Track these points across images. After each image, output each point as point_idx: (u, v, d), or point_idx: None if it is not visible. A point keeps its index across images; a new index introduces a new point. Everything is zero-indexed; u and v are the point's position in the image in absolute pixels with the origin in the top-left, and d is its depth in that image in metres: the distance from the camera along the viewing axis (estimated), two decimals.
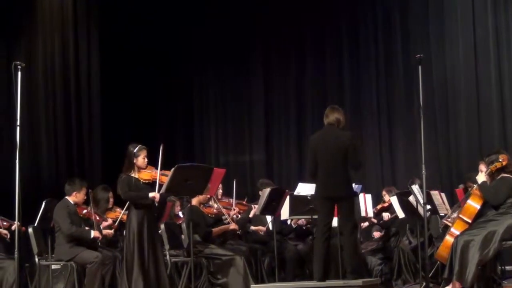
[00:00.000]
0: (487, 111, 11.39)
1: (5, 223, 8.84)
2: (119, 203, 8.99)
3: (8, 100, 10.32)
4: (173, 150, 11.82)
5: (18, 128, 7.05)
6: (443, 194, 8.99)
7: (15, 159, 6.95)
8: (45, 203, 8.91)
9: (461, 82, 11.61)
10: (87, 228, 8.46)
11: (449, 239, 7.59)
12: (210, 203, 9.28)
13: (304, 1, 12.44)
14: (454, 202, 9.03)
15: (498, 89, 11.36)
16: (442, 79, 11.76)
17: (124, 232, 8.22)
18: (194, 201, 8.88)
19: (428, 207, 8.23)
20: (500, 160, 7.61)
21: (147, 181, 7.94)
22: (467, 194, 8.06)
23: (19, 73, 7.11)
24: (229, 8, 12.88)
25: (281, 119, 12.84)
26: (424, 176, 7.70)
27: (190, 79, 13.34)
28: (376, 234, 10.10)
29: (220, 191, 9.63)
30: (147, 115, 13.00)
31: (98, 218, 8.69)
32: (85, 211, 8.70)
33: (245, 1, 12.83)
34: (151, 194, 7.82)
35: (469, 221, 7.63)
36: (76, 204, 8.57)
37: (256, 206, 9.18)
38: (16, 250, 6.97)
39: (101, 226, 8.71)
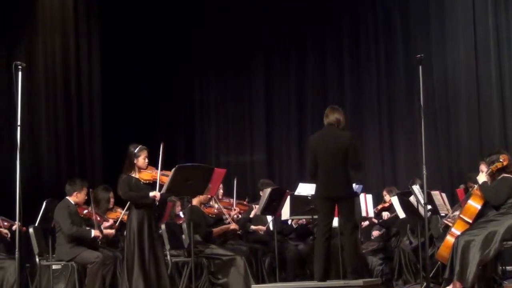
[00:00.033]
0: (488, 111, 11.39)
1: (5, 223, 8.85)
2: (120, 203, 8.99)
3: (9, 100, 10.32)
4: (173, 150, 11.81)
5: (18, 128, 7.04)
6: (443, 194, 8.98)
7: (16, 159, 6.94)
8: (46, 203, 8.92)
9: (461, 82, 11.61)
10: (87, 228, 8.46)
11: (449, 239, 7.59)
12: (211, 203, 9.29)
13: (305, 1, 12.43)
14: (455, 202, 9.03)
15: (499, 89, 11.36)
16: (442, 79, 11.76)
17: (125, 232, 8.22)
18: (195, 201, 8.88)
19: (429, 207, 8.23)
20: (500, 160, 7.61)
21: (147, 181, 7.95)
22: (467, 194, 8.06)
23: (20, 73, 7.11)
24: (229, 8, 12.88)
25: (282, 119, 12.84)
26: (424, 176, 7.70)
27: (191, 79, 13.33)
28: (375, 233, 10.10)
29: (221, 191, 9.63)
30: (147, 115, 12.99)
31: (98, 218, 8.69)
32: (85, 211, 8.71)
33: (245, 1, 12.83)
34: (151, 193, 7.82)
35: (470, 221, 7.64)
36: (76, 204, 8.58)
37: (257, 206, 9.19)
38: (16, 250, 6.96)
39: (102, 227, 8.71)
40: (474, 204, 7.68)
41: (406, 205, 8.92)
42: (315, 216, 8.26)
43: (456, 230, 7.63)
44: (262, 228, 9.73)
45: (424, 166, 7.69)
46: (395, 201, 9.21)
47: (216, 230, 9.03)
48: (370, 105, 12.24)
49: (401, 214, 9.18)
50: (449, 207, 8.80)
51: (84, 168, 11.69)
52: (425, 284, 7.89)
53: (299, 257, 9.60)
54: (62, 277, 8.87)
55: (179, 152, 12.70)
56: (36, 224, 8.79)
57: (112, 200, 9.13)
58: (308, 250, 9.32)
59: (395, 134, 12.07)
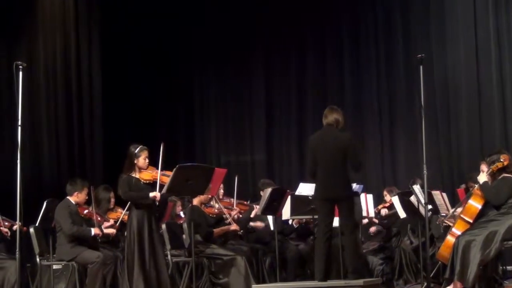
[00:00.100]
0: (488, 111, 11.38)
1: (6, 223, 8.84)
2: (121, 203, 8.99)
3: (10, 100, 10.31)
4: (173, 150, 11.80)
5: (19, 128, 7.05)
6: (444, 194, 8.99)
7: (17, 159, 6.96)
8: (47, 203, 8.93)
9: (462, 82, 11.61)
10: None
11: (450, 239, 7.59)
12: (211, 203, 9.29)
13: (305, 1, 12.43)
14: (456, 202, 9.02)
15: (499, 89, 11.36)
16: (443, 79, 11.75)
17: (125, 232, 8.22)
18: (195, 201, 8.87)
19: (430, 207, 8.23)
20: (501, 160, 7.62)
21: (148, 181, 7.95)
22: (468, 194, 8.06)
23: (21, 73, 7.12)
24: (229, 8, 12.87)
25: (282, 119, 12.83)
26: (425, 176, 7.71)
27: (191, 79, 13.33)
28: (372, 230, 10.08)
29: (221, 191, 9.63)
30: (147, 115, 12.99)
31: (99, 218, 8.70)
32: (86, 211, 8.71)
33: (245, 1, 12.83)
34: (151, 194, 7.82)
35: (471, 221, 7.64)
36: (77, 204, 8.58)
37: (257, 206, 9.19)
38: (17, 250, 6.98)
39: (103, 227, 8.70)
40: (475, 204, 7.68)
41: (406, 205, 8.92)
42: (316, 216, 8.27)
43: (456, 230, 7.63)
44: (260, 224, 9.71)
45: (424, 166, 7.71)
46: (395, 201, 9.21)
47: (216, 230, 9.04)
48: (371, 105, 12.24)
49: (402, 214, 9.19)
50: (449, 207, 8.81)
51: (84, 168, 11.69)
52: (425, 284, 7.90)
53: (300, 257, 9.61)
54: (63, 277, 8.88)
55: (179, 152, 12.69)
56: (37, 224, 8.79)
57: (112, 200, 9.13)
58: (309, 250, 9.33)
59: (396, 134, 12.06)
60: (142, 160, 7.95)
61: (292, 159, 12.65)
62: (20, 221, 6.90)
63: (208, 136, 13.18)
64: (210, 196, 9.02)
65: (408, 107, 11.85)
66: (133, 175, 7.95)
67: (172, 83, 13.16)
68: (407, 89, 11.89)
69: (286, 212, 9.05)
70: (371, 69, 12.28)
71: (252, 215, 9.55)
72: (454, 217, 8.16)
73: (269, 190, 8.80)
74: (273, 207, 8.81)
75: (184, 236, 8.90)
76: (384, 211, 9.82)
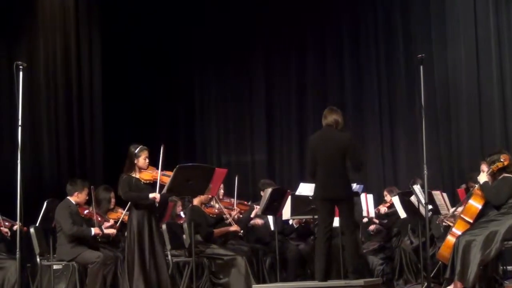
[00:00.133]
0: (489, 111, 11.38)
1: (7, 223, 8.84)
2: (121, 203, 8.98)
3: (10, 100, 10.31)
4: (174, 150, 11.80)
5: (19, 128, 7.06)
6: (444, 194, 8.99)
7: (17, 159, 6.96)
8: (47, 203, 8.93)
9: (462, 82, 11.60)
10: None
11: (450, 239, 7.59)
12: (212, 203, 9.29)
13: (305, 1, 12.43)
14: (456, 202, 9.02)
15: (500, 89, 11.35)
16: (443, 79, 11.75)
17: (126, 232, 8.22)
18: (196, 201, 8.87)
19: (430, 207, 8.23)
20: (501, 160, 7.61)
21: (148, 182, 7.95)
22: (468, 194, 8.06)
23: (21, 73, 7.12)
24: (229, 8, 12.87)
25: (282, 119, 12.83)
26: (425, 176, 7.71)
27: (191, 79, 13.32)
28: (372, 227, 10.07)
29: (222, 191, 9.63)
30: (147, 115, 12.99)
31: (99, 218, 8.69)
32: (86, 211, 8.70)
33: (245, 1, 12.83)
34: (151, 195, 7.82)
35: (471, 221, 7.64)
36: (77, 204, 8.58)
37: (258, 206, 9.19)
38: (17, 250, 6.98)
39: (103, 227, 8.70)
40: (475, 204, 7.68)
41: (407, 205, 8.92)
42: (316, 216, 8.27)
43: (457, 230, 7.63)
44: (260, 221, 9.70)
45: (425, 166, 7.70)
46: (396, 201, 9.21)
47: (217, 231, 9.04)
48: (371, 105, 12.23)
49: (402, 214, 9.19)
50: (450, 207, 8.81)
51: (84, 168, 11.68)
52: (426, 284, 7.90)
53: (300, 257, 9.60)
54: (63, 277, 8.88)
55: (179, 152, 12.69)
56: (37, 224, 8.79)
57: (113, 200, 9.12)
58: (309, 250, 9.32)
59: (396, 134, 12.06)
60: (142, 160, 7.95)
61: (293, 159, 12.65)
62: (20, 221, 6.90)
63: (208, 136, 13.18)
64: (210, 196, 9.02)
65: (408, 107, 11.84)
66: (133, 175, 7.95)
67: (172, 83, 13.16)
68: (407, 89, 11.89)
69: (286, 212, 9.06)
70: (372, 69, 12.28)
71: (252, 215, 9.55)
72: (454, 217, 8.16)
73: (269, 190, 8.80)
74: (274, 207, 8.81)
75: (184, 236, 8.90)
76: (384, 209, 9.81)
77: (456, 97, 11.63)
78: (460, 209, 8.13)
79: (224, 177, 9.07)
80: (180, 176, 7.71)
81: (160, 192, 7.86)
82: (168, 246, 8.61)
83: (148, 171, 7.98)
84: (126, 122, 12.54)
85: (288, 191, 9.04)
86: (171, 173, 7.76)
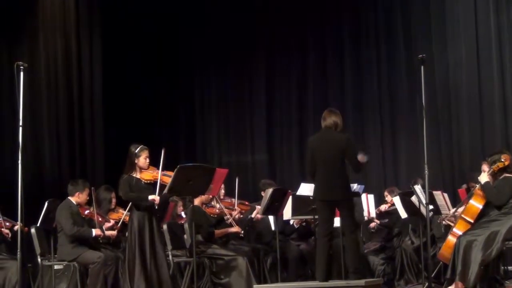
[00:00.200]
0: (490, 111, 11.37)
1: (7, 224, 8.84)
2: (122, 203, 8.98)
3: (11, 101, 10.30)
4: (174, 150, 11.80)
5: (20, 128, 7.06)
6: (445, 194, 8.99)
7: (18, 159, 6.97)
8: (48, 203, 8.92)
9: (463, 81, 11.60)
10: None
11: (451, 239, 7.60)
12: (212, 203, 9.29)
13: (306, 1, 12.43)
14: (457, 202, 9.03)
15: (501, 89, 11.35)
16: (444, 79, 11.74)
17: (127, 233, 8.22)
18: (197, 201, 8.87)
19: (431, 207, 8.23)
20: (502, 160, 7.62)
21: (148, 181, 7.95)
22: (469, 194, 8.06)
23: (22, 73, 7.12)
24: (229, 8, 12.87)
25: (283, 119, 12.82)
26: (426, 176, 7.71)
27: (191, 79, 13.32)
28: (372, 225, 10.06)
29: (222, 191, 9.62)
30: (148, 115, 12.98)
31: (100, 218, 8.69)
32: (87, 211, 8.70)
33: (246, 1, 12.83)
34: (150, 197, 7.82)
35: (472, 221, 7.64)
36: (78, 204, 8.58)
37: (259, 206, 9.19)
38: (18, 250, 6.99)
39: (104, 227, 8.70)
40: (476, 204, 7.68)
41: (408, 205, 8.93)
42: (317, 216, 8.27)
43: (458, 230, 7.63)
44: (259, 216, 9.67)
45: (426, 166, 7.70)
46: (397, 201, 9.21)
47: (218, 232, 9.04)
48: (372, 105, 12.23)
49: (403, 214, 9.19)
50: (451, 207, 8.81)
51: (85, 168, 11.68)
52: (427, 284, 7.90)
53: (301, 257, 9.60)
54: (64, 277, 8.88)
55: (180, 152, 12.69)
56: (38, 225, 8.78)
57: (114, 200, 9.12)
58: (310, 250, 9.33)
59: (397, 134, 12.06)
60: (142, 160, 7.95)
61: (293, 159, 12.64)
62: (21, 221, 6.91)
63: (209, 136, 13.18)
64: (211, 196, 9.02)
65: (409, 107, 11.83)
66: (134, 175, 7.95)
67: (172, 83, 13.16)
68: (408, 89, 11.88)
69: (287, 212, 9.05)
70: (372, 69, 12.28)
71: (253, 215, 9.55)
72: (455, 217, 8.16)
73: (270, 190, 8.80)
74: (274, 207, 8.81)
75: (185, 236, 8.90)
76: (384, 207, 9.81)
77: (457, 97, 11.63)
78: (461, 209, 8.13)
79: (225, 177, 9.06)
80: (181, 176, 7.71)
81: (160, 193, 7.86)
82: (169, 246, 8.62)
83: (149, 171, 7.98)
84: (126, 122, 12.53)
85: (289, 191, 9.04)
86: (171, 173, 7.76)
